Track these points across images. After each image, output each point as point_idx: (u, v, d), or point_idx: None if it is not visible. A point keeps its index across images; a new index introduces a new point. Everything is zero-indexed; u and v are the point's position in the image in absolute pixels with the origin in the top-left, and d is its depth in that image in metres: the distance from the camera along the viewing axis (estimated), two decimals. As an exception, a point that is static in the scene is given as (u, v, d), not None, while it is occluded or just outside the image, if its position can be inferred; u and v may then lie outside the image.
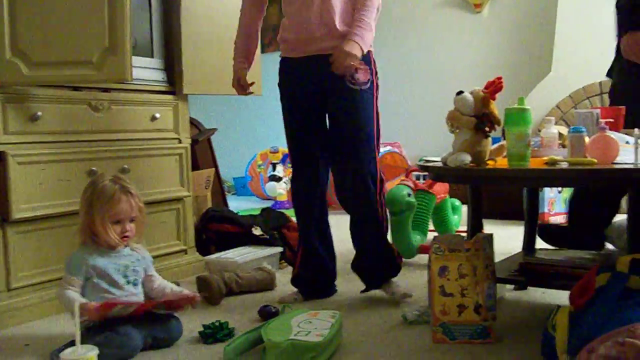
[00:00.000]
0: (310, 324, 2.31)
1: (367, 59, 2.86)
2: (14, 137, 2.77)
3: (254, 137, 8.23)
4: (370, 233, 2.96)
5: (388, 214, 3.03)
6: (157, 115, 3.41)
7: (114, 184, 2.47)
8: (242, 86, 3.06)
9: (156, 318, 2.41)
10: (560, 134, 2.68)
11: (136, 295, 2.47)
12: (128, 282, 2.45)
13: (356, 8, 2.78)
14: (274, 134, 7.87)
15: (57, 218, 2.90)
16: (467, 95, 2.44)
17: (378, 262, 2.98)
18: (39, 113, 2.83)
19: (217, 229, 3.91)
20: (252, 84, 3.07)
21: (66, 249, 2.79)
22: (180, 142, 3.59)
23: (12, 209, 2.73)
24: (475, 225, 2.69)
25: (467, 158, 2.39)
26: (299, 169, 3.04)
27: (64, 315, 2.72)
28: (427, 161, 2.87)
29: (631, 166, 2.24)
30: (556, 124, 3.10)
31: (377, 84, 2.92)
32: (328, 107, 2.91)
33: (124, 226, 2.47)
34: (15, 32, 2.63)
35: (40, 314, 2.84)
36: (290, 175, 5.73)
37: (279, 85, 3.04)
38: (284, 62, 3.01)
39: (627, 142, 2.44)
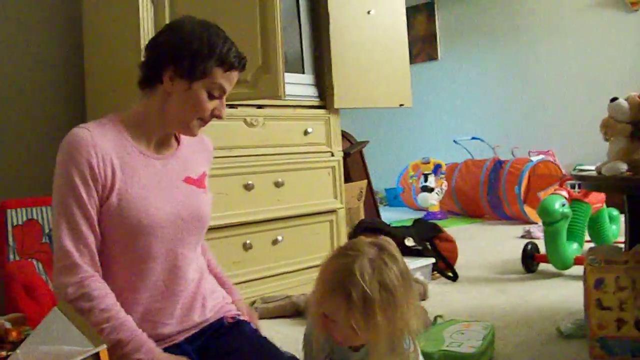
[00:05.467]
0: (462, 335, 2.30)
1: None
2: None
3: (405, 148, 8.26)
4: None
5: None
6: (310, 129, 3.51)
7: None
8: None
9: None
10: None
11: None
12: None
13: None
14: (425, 145, 7.88)
15: (216, 230, 3.05)
16: (621, 101, 2.36)
17: None
18: (199, 130, 3.00)
19: (369, 240, 3.95)
20: None
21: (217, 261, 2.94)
22: (332, 155, 3.67)
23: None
24: (633, 236, 2.59)
25: (623, 167, 2.31)
26: None
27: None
28: (582, 170, 2.79)
29: None
30: None
31: None
32: None
33: None
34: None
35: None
36: (443, 187, 5.63)
37: None
38: None
39: None
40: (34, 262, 2.82)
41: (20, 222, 2.82)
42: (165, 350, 1.67)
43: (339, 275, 1.54)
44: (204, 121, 1.77)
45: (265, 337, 1.87)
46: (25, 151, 3.18)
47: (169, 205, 1.73)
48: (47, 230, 2.88)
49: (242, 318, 1.90)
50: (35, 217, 2.86)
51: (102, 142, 1.65)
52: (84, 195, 1.60)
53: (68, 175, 1.60)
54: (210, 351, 1.78)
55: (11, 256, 2.77)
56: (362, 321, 1.50)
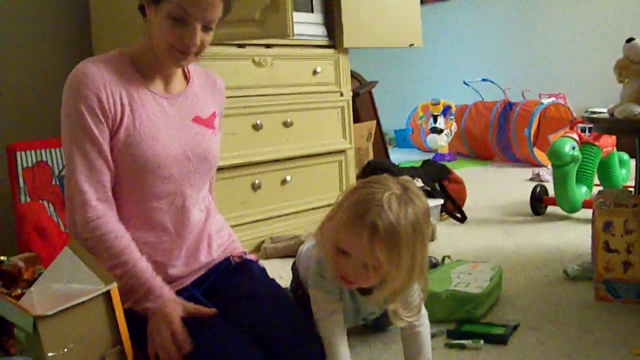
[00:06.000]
0: (470, 276, 2.31)
1: None
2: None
3: (415, 89, 8.19)
4: None
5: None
6: (319, 69, 3.48)
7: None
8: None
9: None
10: None
11: None
12: None
13: None
14: (435, 86, 7.81)
15: (224, 170, 3.04)
16: (638, 42, 2.32)
17: None
18: (207, 70, 2.97)
19: (378, 181, 3.94)
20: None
21: (226, 201, 2.95)
22: (341, 95, 3.64)
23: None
24: (644, 180, 2.58)
25: (637, 109, 2.28)
26: None
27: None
28: (593, 112, 2.76)
29: None
30: None
31: None
32: None
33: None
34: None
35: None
36: (452, 128, 5.60)
37: None
38: None
39: None
40: (45, 203, 2.84)
41: (30, 165, 2.82)
42: (176, 295, 1.67)
43: (364, 205, 1.48)
44: (180, 51, 1.64)
45: (273, 280, 1.87)
46: (33, 93, 3.16)
47: (177, 144, 1.71)
48: (57, 172, 2.88)
49: (248, 257, 1.91)
50: (44, 159, 2.86)
51: (110, 77, 1.62)
52: (95, 129, 1.58)
53: (77, 110, 1.58)
54: (218, 292, 1.78)
55: (22, 198, 2.78)
56: (385, 256, 1.45)
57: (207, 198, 1.89)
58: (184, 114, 1.77)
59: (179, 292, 1.70)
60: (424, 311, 1.71)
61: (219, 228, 1.90)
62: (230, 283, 1.80)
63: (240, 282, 1.81)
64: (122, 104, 1.63)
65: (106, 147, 1.61)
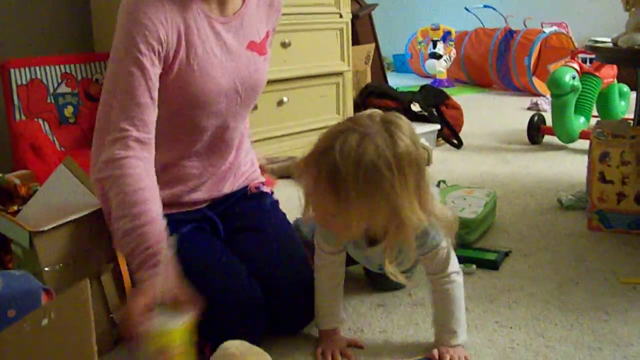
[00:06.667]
0: (464, 201, 2.32)
1: None
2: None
3: (415, 13, 8.06)
4: None
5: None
6: (318, -11, 3.42)
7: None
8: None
9: None
10: None
11: None
12: None
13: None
14: (435, 11, 7.69)
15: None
16: (647, -31, 2.28)
17: None
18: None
19: (376, 104, 3.92)
20: None
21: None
22: (341, 16, 3.57)
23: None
24: (643, 111, 2.56)
25: (641, 39, 2.26)
26: None
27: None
28: (596, 42, 2.73)
29: None
30: None
31: None
32: None
33: None
34: None
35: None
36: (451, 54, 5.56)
37: None
38: None
39: None
40: (40, 121, 2.81)
41: (24, 82, 2.78)
42: (189, 214, 1.67)
43: (318, 145, 1.37)
44: None
45: (283, 216, 1.83)
46: (26, 8, 3.08)
47: (229, 78, 1.60)
48: (51, 91, 2.85)
49: (264, 189, 1.86)
50: (39, 76, 2.81)
51: (169, 5, 1.48)
52: (148, 64, 1.43)
53: (132, 40, 1.42)
54: (227, 220, 1.74)
55: (17, 116, 2.75)
56: (334, 203, 1.32)
57: (246, 123, 1.84)
58: (239, 41, 1.63)
59: (193, 212, 1.68)
60: (454, 268, 1.57)
61: (246, 153, 1.85)
62: (240, 212, 1.77)
63: (249, 213, 1.77)
64: (179, 36, 1.49)
65: (156, 85, 1.46)
